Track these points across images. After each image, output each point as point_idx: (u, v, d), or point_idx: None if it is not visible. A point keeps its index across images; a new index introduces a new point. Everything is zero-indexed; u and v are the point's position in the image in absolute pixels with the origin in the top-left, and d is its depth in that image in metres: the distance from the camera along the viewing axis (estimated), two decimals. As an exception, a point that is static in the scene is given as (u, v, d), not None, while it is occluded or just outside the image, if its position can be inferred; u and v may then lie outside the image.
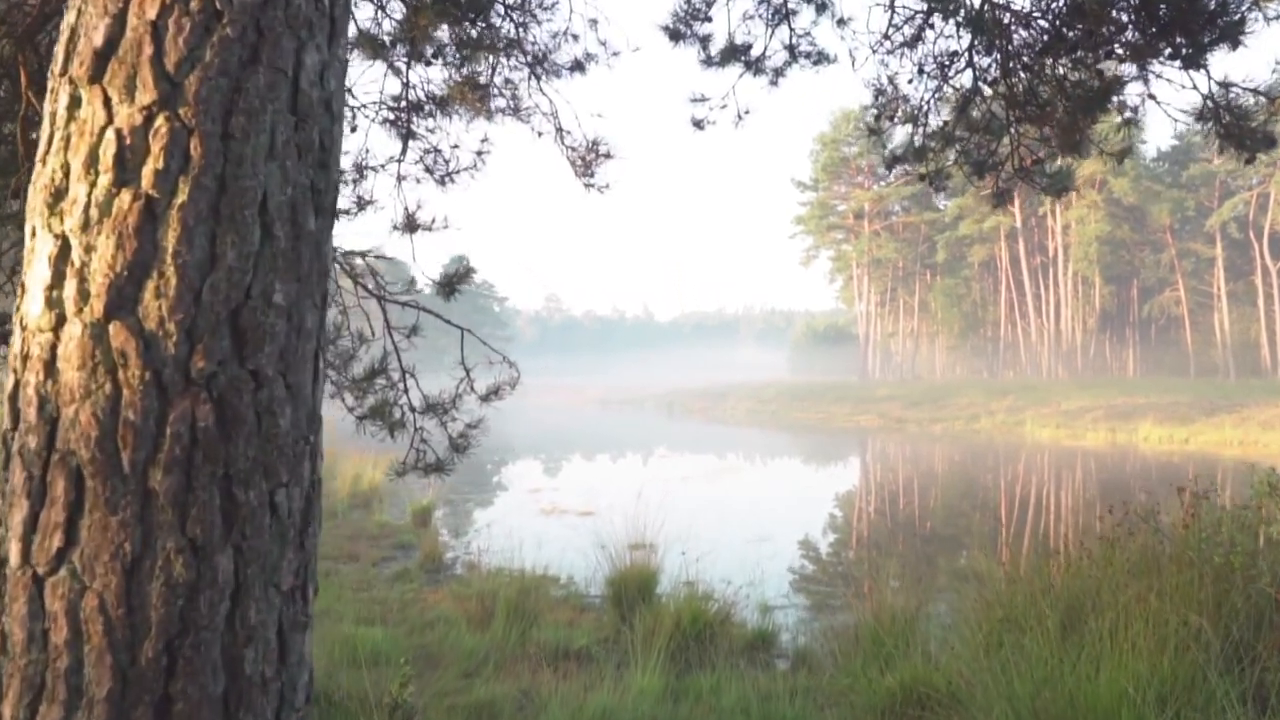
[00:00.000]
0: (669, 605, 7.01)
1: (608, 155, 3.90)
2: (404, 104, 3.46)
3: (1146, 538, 5.71)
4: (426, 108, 3.55)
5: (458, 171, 3.65)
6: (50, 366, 1.37)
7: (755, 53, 4.05)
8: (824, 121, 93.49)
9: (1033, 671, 4.67)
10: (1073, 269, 58.77)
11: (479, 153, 3.77)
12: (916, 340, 75.31)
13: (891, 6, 3.92)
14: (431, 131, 3.61)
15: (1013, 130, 3.79)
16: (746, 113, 4.19)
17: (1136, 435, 34.10)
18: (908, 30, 3.83)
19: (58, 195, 1.41)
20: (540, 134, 4.07)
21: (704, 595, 9.07)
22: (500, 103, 3.72)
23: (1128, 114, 3.53)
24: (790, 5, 4.07)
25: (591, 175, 3.90)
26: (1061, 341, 60.15)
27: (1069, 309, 60.12)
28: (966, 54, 3.74)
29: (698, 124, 4.29)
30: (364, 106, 3.58)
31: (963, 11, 3.66)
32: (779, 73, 4.16)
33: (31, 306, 1.38)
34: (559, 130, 3.97)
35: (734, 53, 4.03)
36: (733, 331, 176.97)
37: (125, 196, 1.37)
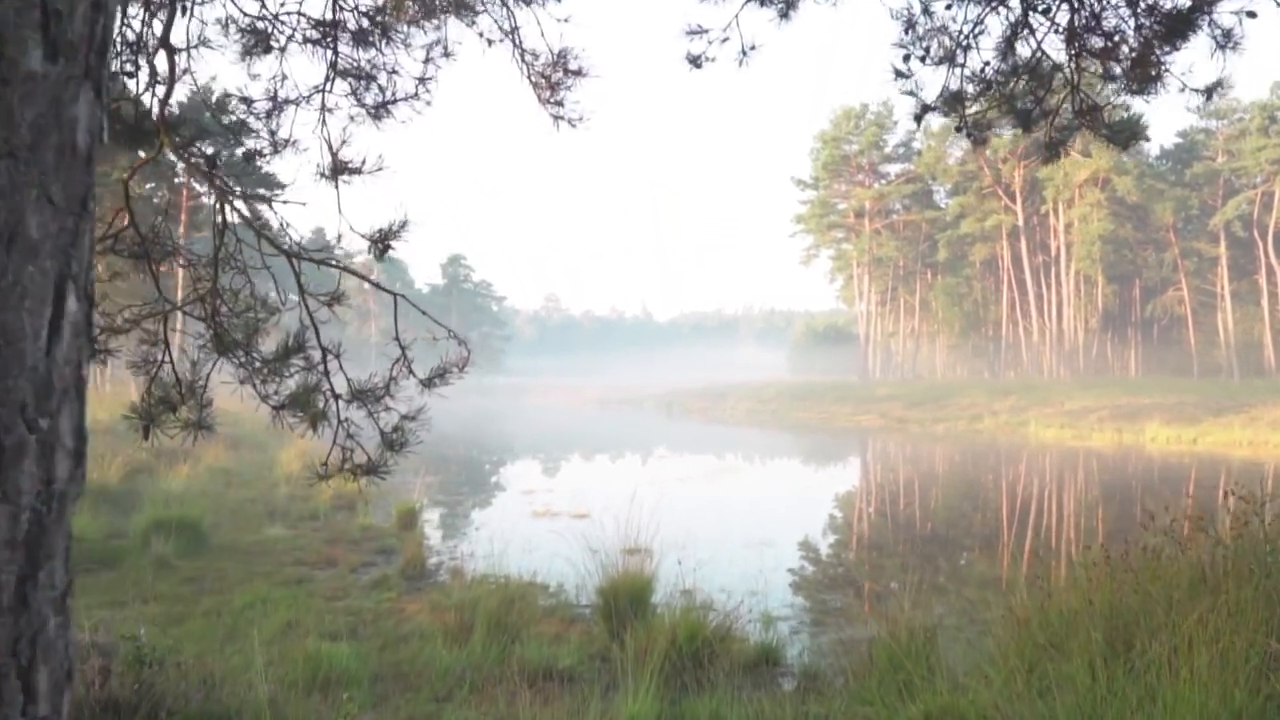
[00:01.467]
0: (664, 619, 6.41)
1: (578, 72, 3.22)
2: (330, 20, 2.83)
3: (1197, 549, 5.11)
4: (363, 27, 2.90)
5: (394, 101, 3.00)
6: None
7: (764, -24, 3.44)
8: (824, 119, 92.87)
9: (1080, 702, 4.09)
10: (1075, 268, 58.16)
11: (422, 79, 3.11)
12: (917, 340, 74.73)
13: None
14: (375, 70, 2.94)
15: (1070, 67, 3.18)
16: (752, 48, 3.54)
17: (1143, 435, 33.51)
18: (948, -55, 3.23)
19: None
20: (491, 42, 3.39)
21: (702, 605, 8.47)
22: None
23: (1220, 38, 2.93)
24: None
25: (559, 102, 3.25)
26: (1064, 341, 59.53)
27: (1071, 308, 59.49)
28: (1017, -27, 3.15)
29: (694, 61, 3.64)
30: (279, 19, 2.95)
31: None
32: (789, 4, 3.53)
33: None
34: (518, 48, 3.28)
35: (738, -24, 3.42)
36: (732, 331, 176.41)
37: None
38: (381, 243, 2.48)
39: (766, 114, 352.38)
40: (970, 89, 3.48)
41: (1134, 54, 2.95)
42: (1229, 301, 57.57)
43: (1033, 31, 3.28)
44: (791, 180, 73.41)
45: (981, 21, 3.36)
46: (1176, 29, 2.90)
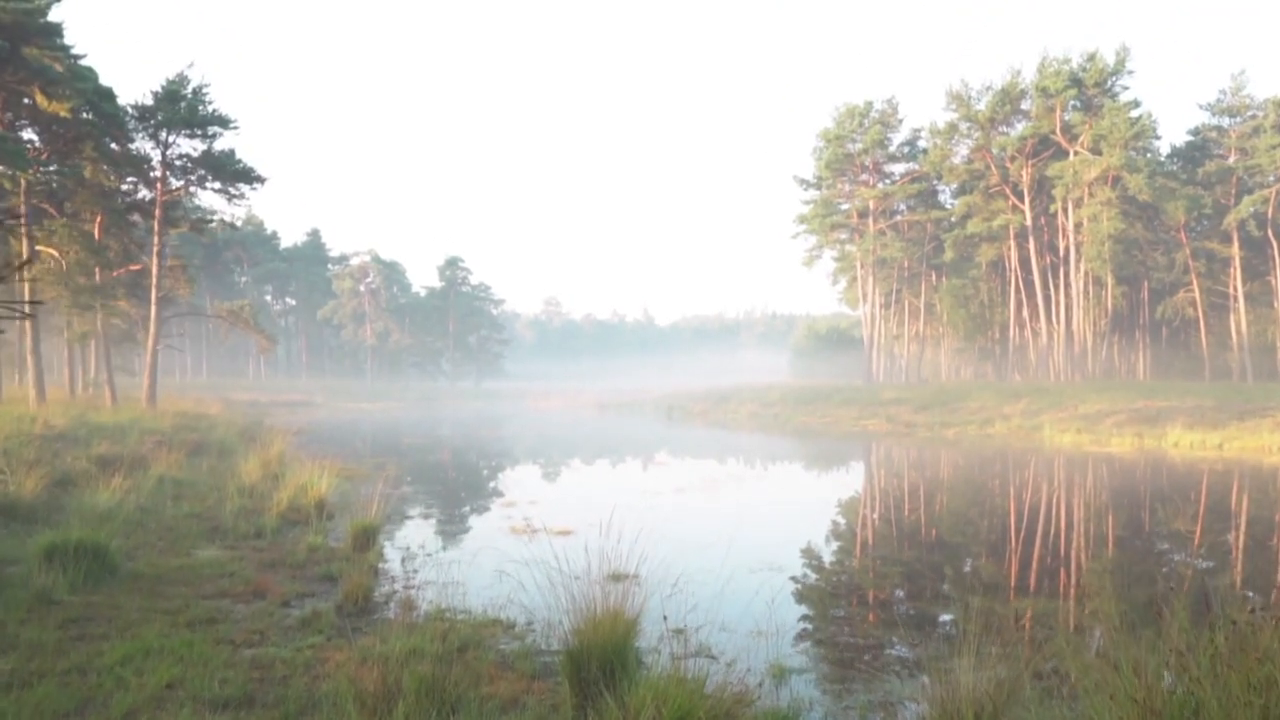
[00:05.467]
0: (645, 688, 4.84)
1: None
2: None
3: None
4: None
5: None
6: None
7: None
8: (828, 117, 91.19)
9: None
10: (1084, 268, 56.49)
11: None
12: (922, 343, 73.10)
13: None
14: None
15: None
16: None
17: (1165, 440, 31.90)
18: None
19: None
20: None
21: (698, 650, 6.95)
22: None
23: None
24: None
25: None
26: (1074, 344, 57.86)
27: (1080, 310, 57.83)
28: None
29: None
30: None
31: None
32: None
33: None
34: None
35: None
36: (733, 335, 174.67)
37: None
38: None
39: (768, 114, 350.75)
40: None
41: None
42: (1242, 303, 55.95)
43: None
44: (794, 180, 71.86)
45: None
46: None
